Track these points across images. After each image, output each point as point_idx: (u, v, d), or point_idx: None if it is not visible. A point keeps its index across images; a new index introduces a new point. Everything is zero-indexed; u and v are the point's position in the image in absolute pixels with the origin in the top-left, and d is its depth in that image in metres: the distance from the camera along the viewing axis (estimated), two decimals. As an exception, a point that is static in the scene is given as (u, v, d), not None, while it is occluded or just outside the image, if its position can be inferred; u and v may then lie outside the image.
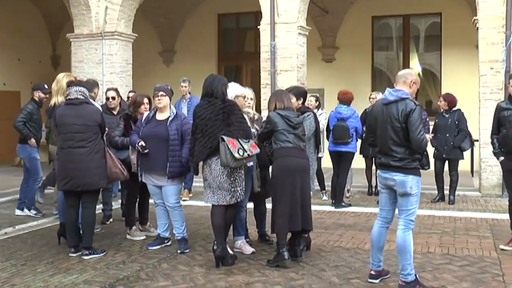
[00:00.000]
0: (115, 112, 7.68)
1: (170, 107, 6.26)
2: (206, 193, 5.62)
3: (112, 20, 12.10)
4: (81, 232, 6.13)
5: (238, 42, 16.31)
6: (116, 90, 7.79)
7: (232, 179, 5.50)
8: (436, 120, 9.43)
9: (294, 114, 5.74)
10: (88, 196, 6.01)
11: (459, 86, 12.69)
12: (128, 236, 6.86)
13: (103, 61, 12.13)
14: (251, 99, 6.29)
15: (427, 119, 9.32)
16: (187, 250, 6.13)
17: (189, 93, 10.20)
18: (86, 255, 5.91)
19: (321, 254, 6.03)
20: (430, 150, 6.13)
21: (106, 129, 6.34)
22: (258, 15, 15.55)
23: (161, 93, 6.16)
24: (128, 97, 9.88)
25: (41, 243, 6.60)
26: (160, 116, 6.20)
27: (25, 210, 8.23)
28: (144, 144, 6.03)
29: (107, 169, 6.03)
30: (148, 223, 7.11)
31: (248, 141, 5.44)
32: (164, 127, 6.07)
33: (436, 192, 9.49)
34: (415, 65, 14.56)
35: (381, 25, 14.92)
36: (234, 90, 5.90)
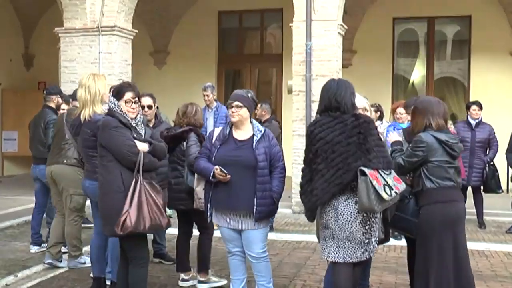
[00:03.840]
0: (150, 125, 5.94)
1: (252, 122, 4.62)
2: (325, 245, 3.99)
3: (110, 13, 10.23)
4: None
5: (241, 43, 14.66)
6: (152, 96, 6.01)
7: (367, 227, 3.90)
8: None
9: (454, 138, 4.19)
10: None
11: (490, 97, 11.53)
12: (182, 283, 5.47)
13: (100, 61, 10.25)
14: (367, 110, 4.63)
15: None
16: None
17: (215, 100, 8.54)
18: None
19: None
20: None
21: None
22: (263, 13, 14.10)
23: (236, 103, 4.49)
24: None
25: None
26: (239, 135, 4.53)
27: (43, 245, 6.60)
28: (223, 171, 4.35)
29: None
30: (211, 270, 5.53)
31: (390, 173, 3.86)
32: (250, 151, 4.42)
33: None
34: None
35: (404, 28, 13.58)
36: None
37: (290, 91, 13.41)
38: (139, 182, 4.11)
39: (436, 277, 4.00)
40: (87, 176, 4.99)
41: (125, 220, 4.02)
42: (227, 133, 4.54)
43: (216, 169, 4.34)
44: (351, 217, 3.85)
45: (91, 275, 5.66)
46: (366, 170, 3.68)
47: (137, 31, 10.83)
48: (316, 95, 9.40)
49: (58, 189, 6.05)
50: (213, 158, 4.46)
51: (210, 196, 4.51)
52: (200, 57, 13.89)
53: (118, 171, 4.17)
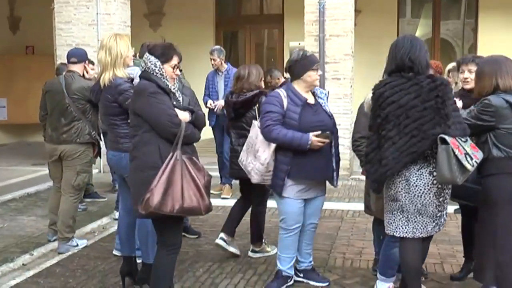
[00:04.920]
0: None
1: None
2: (392, 219, 3.64)
3: (108, -30, 9.62)
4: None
5: (239, 3, 14.01)
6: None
7: (441, 199, 3.56)
8: None
9: None
10: None
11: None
12: (252, 254, 5.30)
13: (98, 22, 9.64)
14: None
15: None
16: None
17: (226, 63, 8.03)
18: None
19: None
20: None
21: None
22: (263, -28, 13.51)
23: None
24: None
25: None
26: (309, 98, 4.26)
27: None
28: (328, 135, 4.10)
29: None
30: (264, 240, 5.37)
31: (466, 141, 3.48)
32: (325, 114, 4.24)
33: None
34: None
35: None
36: None
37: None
38: (174, 157, 3.52)
39: (501, 254, 3.67)
40: (110, 146, 4.55)
41: (148, 198, 3.44)
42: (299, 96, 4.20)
43: (316, 135, 4.02)
44: (424, 189, 3.49)
45: (114, 252, 5.32)
46: (448, 138, 3.30)
47: (135, -10, 10.21)
48: (329, 56, 9.01)
49: (63, 164, 5.56)
50: (297, 124, 4.07)
51: (288, 167, 4.10)
52: (196, 18, 13.24)
53: (156, 144, 3.61)
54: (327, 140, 4.04)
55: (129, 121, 3.92)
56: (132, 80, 4.42)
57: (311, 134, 4.00)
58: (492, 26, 12.11)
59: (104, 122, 4.62)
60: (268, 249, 5.31)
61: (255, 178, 4.19)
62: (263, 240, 5.32)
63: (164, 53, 3.72)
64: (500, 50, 5.68)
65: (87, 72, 5.75)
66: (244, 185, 5.19)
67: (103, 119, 4.60)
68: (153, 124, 3.62)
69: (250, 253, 5.28)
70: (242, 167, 4.34)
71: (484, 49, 11.68)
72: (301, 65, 4.19)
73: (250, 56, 13.55)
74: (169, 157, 3.54)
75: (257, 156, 4.13)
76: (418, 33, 13.28)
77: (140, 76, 3.85)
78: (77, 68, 5.55)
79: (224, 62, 8.00)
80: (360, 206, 7.09)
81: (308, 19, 8.99)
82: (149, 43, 5.39)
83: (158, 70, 3.69)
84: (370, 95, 4.04)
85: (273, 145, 4.09)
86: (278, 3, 13.43)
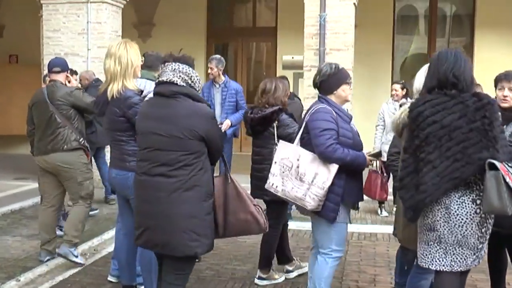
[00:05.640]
0: None
1: None
2: (428, 251, 3.29)
3: (99, -22, 9.25)
4: None
5: (231, 15, 13.73)
6: None
7: (483, 229, 3.22)
8: None
9: None
10: (171, 264, 3.43)
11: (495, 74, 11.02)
12: (288, 275, 5.06)
13: (88, 31, 9.26)
14: None
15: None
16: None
17: (224, 75, 7.66)
18: None
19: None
20: None
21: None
22: (256, -17, 13.24)
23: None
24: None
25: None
26: None
27: None
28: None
29: (218, 219, 3.46)
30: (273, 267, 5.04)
31: (512, 166, 3.17)
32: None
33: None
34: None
35: (404, 4, 12.94)
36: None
37: (285, 67, 12.73)
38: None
39: None
40: (114, 164, 4.14)
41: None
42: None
43: (369, 154, 3.89)
44: (466, 219, 3.16)
45: (109, 278, 4.91)
46: (497, 164, 2.98)
47: (127, -1, 9.85)
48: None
49: (57, 179, 5.27)
50: (352, 142, 3.81)
51: (343, 190, 3.78)
52: (188, 29, 12.93)
53: (210, 170, 3.41)
54: (375, 159, 3.93)
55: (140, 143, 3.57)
56: (142, 92, 4.05)
57: (365, 152, 3.81)
58: (488, 43, 11.99)
59: (108, 138, 4.21)
60: (276, 276, 4.96)
61: (311, 205, 3.72)
62: (271, 267, 4.96)
63: (191, 65, 3.45)
64: (496, 67, 5.54)
65: (69, 82, 5.43)
66: (268, 207, 4.82)
67: (108, 134, 4.20)
68: (215, 150, 3.42)
69: (256, 280, 4.92)
70: (279, 194, 3.88)
71: (480, 66, 11.54)
72: (336, 79, 3.89)
73: (242, 69, 13.26)
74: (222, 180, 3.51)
75: (305, 179, 3.71)
76: (412, 48, 13.16)
77: (182, 93, 3.37)
78: (60, 77, 5.30)
79: (222, 74, 7.65)
80: (364, 228, 6.85)
81: (308, 32, 8.70)
82: (153, 52, 5.03)
83: (198, 86, 3.44)
84: (398, 113, 3.75)
85: (335, 166, 3.69)
86: (272, 16, 13.18)
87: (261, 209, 3.63)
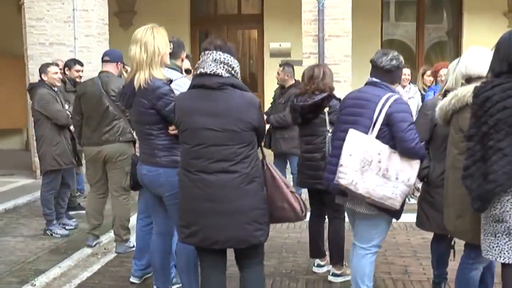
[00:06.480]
0: None
1: None
2: (495, 243, 3.13)
3: (85, -37, 8.82)
4: None
5: (216, 2, 13.36)
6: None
7: (556, 222, 3.09)
8: None
9: None
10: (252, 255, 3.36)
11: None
12: (316, 269, 4.92)
13: (75, 19, 8.84)
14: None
15: None
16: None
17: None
18: None
19: None
20: None
21: None
22: (241, -31, 12.90)
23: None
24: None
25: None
26: None
27: None
28: None
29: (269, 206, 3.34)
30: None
31: None
32: None
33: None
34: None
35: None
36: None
37: (273, 54, 12.50)
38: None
39: None
40: (144, 160, 3.82)
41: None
42: None
43: None
44: (539, 210, 3.02)
45: (132, 279, 4.64)
46: None
47: (114, -15, 9.44)
48: (329, 58, 8.51)
49: (106, 168, 5.41)
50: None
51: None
52: (170, 17, 12.42)
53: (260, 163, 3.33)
54: None
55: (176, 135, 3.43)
56: (171, 81, 3.76)
57: None
58: (476, 28, 11.97)
59: (137, 132, 3.91)
60: (349, 272, 4.58)
61: (399, 203, 3.52)
62: (344, 262, 4.68)
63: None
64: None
65: (126, 72, 5.33)
66: (314, 198, 4.70)
67: (136, 127, 3.90)
68: (261, 138, 3.36)
69: (330, 277, 4.69)
70: (359, 192, 3.46)
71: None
72: (400, 70, 3.76)
73: (229, 58, 12.95)
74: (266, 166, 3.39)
75: (388, 176, 3.45)
76: (402, 36, 13.10)
77: (228, 84, 3.20)
78: (110, 67, 5.33)
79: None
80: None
81: (306, 18, 8.47)
82: (173, 38, 4.68)
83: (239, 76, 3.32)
84: (447, 99, 3.56)
85: (418, 163, 3.51)
86: (257, 2, 12.90)
87: (299, 196, 3.45)
